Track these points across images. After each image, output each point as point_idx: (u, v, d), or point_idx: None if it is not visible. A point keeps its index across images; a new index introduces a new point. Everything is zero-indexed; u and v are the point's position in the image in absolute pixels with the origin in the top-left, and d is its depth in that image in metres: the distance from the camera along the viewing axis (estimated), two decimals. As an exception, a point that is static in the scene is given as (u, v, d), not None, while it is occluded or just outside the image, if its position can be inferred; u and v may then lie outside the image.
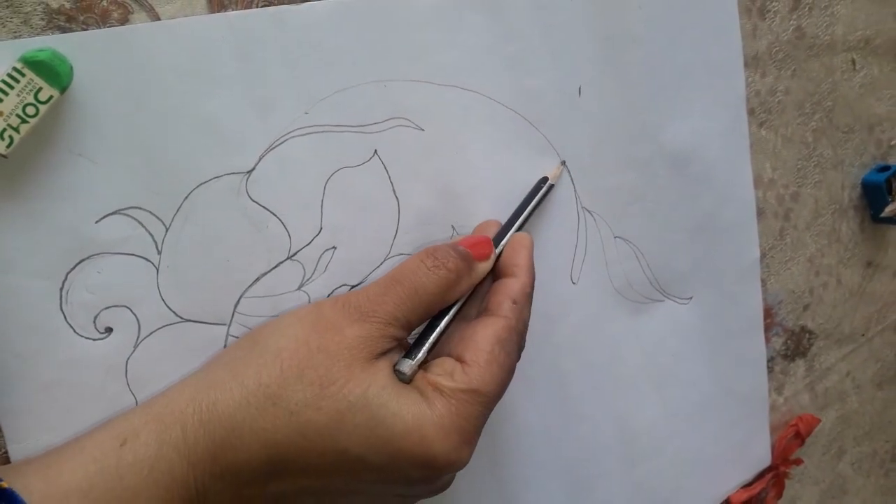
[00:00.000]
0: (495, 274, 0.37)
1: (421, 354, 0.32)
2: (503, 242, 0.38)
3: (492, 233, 0.38)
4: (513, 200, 0.41)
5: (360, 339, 0.31)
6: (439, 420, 0.30)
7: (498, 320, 0.34)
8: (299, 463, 0.29)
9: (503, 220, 0.40)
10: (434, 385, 0.31)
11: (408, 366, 0.32)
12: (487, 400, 0.32)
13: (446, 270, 0.33)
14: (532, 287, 0.37)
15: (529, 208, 0.40)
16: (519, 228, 0.39)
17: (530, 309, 0.37)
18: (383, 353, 0.32)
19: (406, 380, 0.31)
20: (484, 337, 0.33)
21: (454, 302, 0.35)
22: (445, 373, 0.32)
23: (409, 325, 0.33)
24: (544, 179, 0.41)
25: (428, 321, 0.34)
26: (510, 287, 0.36)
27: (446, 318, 0.34)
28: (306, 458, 0.29)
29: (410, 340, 0.34)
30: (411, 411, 0.30)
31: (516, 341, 0.34)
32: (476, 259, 0.35)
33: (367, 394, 0.29)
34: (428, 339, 0.33)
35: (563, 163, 0.42)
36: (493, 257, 0.36)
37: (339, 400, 0.29)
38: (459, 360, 0.32)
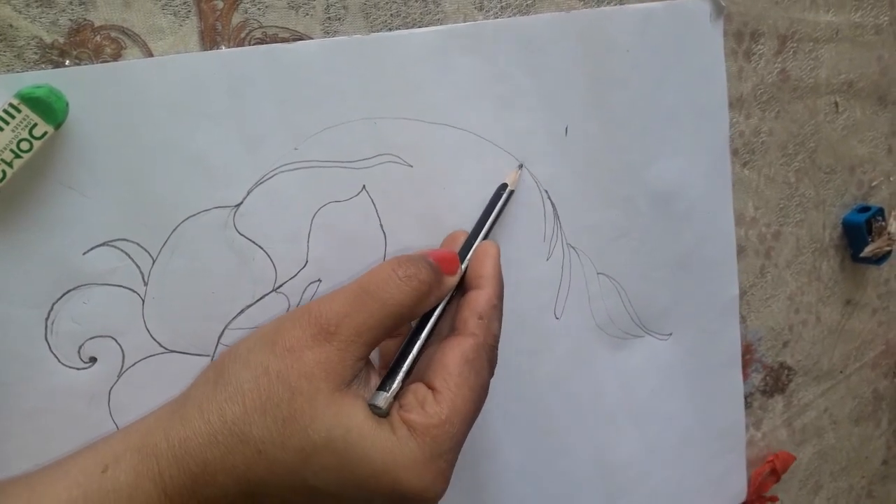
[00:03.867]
0: (463, 286, 0.36)
1: (395, 385, 0.31)
2: (469, 255, 0.37)
3: (459, 244, 0.38)
4: (499, 234, 0.41)
5: (320, 367, 0.30)
6: (411, 461, 0.29)
7: (465, 340, 0.33)
8: (274, 498, 0.30)
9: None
10: (405, 421, 0.30)
11: (383, 399, 0.31)
12: (461, 428, 0.31)
13: (418, 282, 0.32)
14: (500, 297, 0.36)
15: (493, 216, 0.39)
16: (484, 237, 0.38)
17: (500, 320, 0.36)
18: (348, 382, 0.30)
19: (383, 414, 0.30)
20: (452, 360, 0.32)
21: (422, 317, 0.34)
22: (417, 404, 0.31)
23: (375, 341, 0.31)
24: (504, 186, 0.40)
25: (401, 347, 0.34)
26: (476, 301, 0.35)
27: (418, 344, 0.34)
28: (280, 492, 0.29)
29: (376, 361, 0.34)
30: (380, 454, 0.29)
31: (486, 358, 0.34)
32: (444, 273, 0.34)
33: (332, 436, 0.29)
34: (401, 368, 0.32)
35: (521, 166, 0.42)
36: (459, 272, 0.36)
37: (304, 439, 0.29)
38: (430, 386, 0.32)
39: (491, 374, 0.34)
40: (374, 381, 0.33)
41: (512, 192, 0.41)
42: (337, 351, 0.30)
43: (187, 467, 0.29)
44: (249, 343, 0.32)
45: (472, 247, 0.38)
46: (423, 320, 0.35)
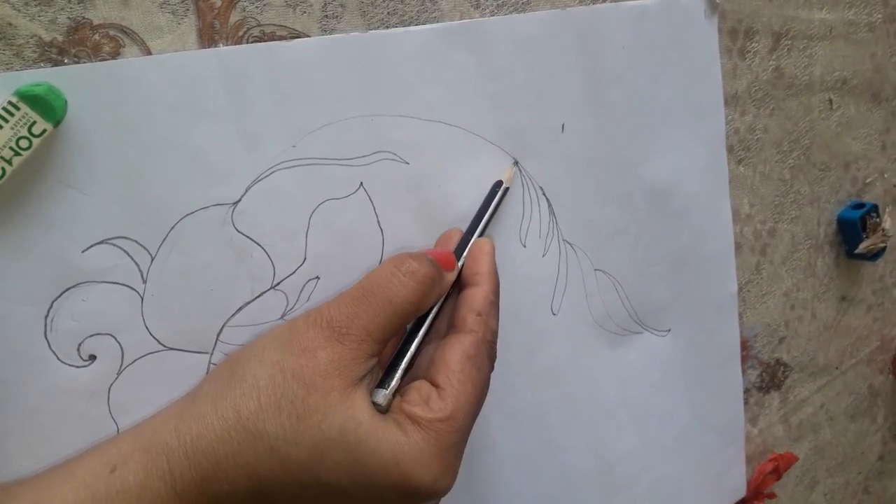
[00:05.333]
0: (460, 284, 0.37)
1: (394, 382, 0.32)
2: (465, 252, 0.38)
3: (455, 241, 0.38)
4: (495, 231, 0.42)
5: (334, 365, 0.30)
6: (419, 454, 0.30)
7: (465, 336, 0.34)
8: (284, 494, 0.30)
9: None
10: (411, 416, 0.31)
11: (382, 396, 0.32)
12: (465, 422, 0.32)
13: (421, 277, 0.33)
14: (496, 293, 0.37)
15: (488, 214, 0.40)
16: (480, 235, 0.39)
17: (497, 315, 0.37)
18: (360, 378, 0.31)
19: (383, 410, 0.31)
20: (454, 356, 0.33)
21: (425, 315, 0.35)
22: (421, 400, 0.32)
23: (384, 338, 0.32)
24: (499, 183, 0.41)
25: (399, 345, 0.34)
26: (473, 298, 0.36)
27: (415, 343, 0.34)
28: (290, 489, 0.30)
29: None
30: (390, 447, 0.30)
31: (486, 354, 0.34)
32: (443, 269, 0.35)
33: (345, 430, 0.29)
34: (399, 366, 0.33)
35: (516, 163, 0.42)
36: (457, 269, 0.36)
37: (317, 435, 0.29)
38: (433, 383, 0.33)
39: (491, 368, 0.35)
40: (379, 365, 0.33)
41: (507, 189, 0.41)
42: (350, 350, 0.31)
43: (199, 464, 0.29)
44: (264, 342, 0.32)
45: (468, 244, 0.38)
46: (420, 320, 0.35)
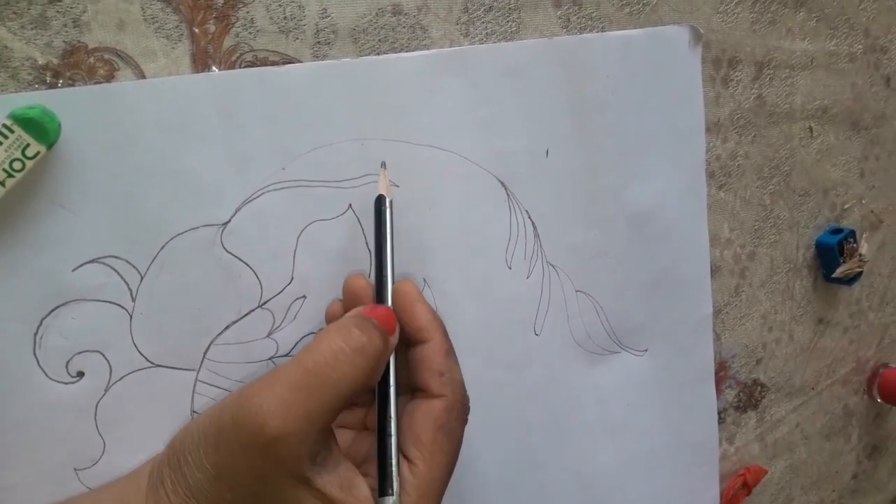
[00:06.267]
0: (404, 341, 0.34)
1: (397, 486, 0.31)
2: (389, 294, 0.35)
3: (364, 286, 0.35)
4: (482, 253, 0.42)
5: (278, 469, 0.28)
6: None
7: (433, 403, 0.32)
8: None
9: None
10: None
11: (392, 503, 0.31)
12: (438, 491, 0.32)
13: (373, 351, 0.30)
14: (447, 340, 0.34)
15: (389, 240, 0.36)
16: (391, 267, 0.35)
17: (457, 362, 0.34)
18: (308, 476, 0.29)
19: None
20: (424, 429, 0.32)
21: (385, 393, 0.33)
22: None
23: (328, 423, 0.29)
24: (381, 198, 0.36)
25: (377, 437, 0.32)
26: (429, 358, 0.33)
27: (393, 436, 0.32)
28: None
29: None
30: None
31: (457, 415, 0.33)
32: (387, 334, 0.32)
33: None
34: (391, 464, 0.31)
35: (383, 164, 0.37)
36: (397, 330, 0.33)
37: None
38: (404, 454, 0.32)
39: (464, 423, 0.34)
40: (334, 446, 0.31)
41: (391, 201, 0.36)
42: (289, 449, 0.28)
43: None
44: (197, 439, 0.30)
45: (386, 283, 0.35)
46: (381, 399, 0.33)
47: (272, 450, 0.27)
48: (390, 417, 0.32)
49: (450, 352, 0.34)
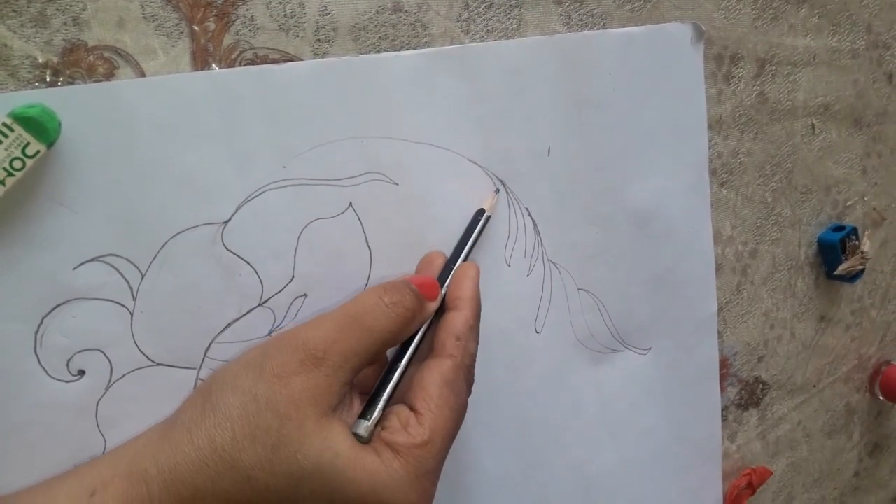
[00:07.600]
0: (442, 307, 0.37)
1: (376, 414, 0.33)
2: (448, 278, 0.38)
3: (438, 266, 0.39)
4: (481, 250, 0.42)
5: (308, 393, 0.30)
6: (396, 482, 0.30)
7: (443, 361, 0.34)
8: None
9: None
10: (389, 444, 0.31)
11: (364, 427, 0.32)
12: (442, 447, 0.33)
13: (403, 309, 0.33)
14: (477, 318, 0.37)
15: (471, 242, 0.40)
16: (464, 257, 0.40)
17: (477, 340, 0.37)
18: (335, 406, 0.31)
19: (365, 441, 0.32)
20: (432, 381, 0.33)
21: (407, 342, 0.35)
22: (400, 426, 0.32)
23: (360, 366, 0.32)
24: (481, 211, 0.41)
25: (382, 374, 0.35)
26: (453, 323, 0.36)
27: (398, 372, 0.35)
28: None
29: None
30: (367, 477, 0.30)
31: (464, 378, 0.35)
32: (426, 299, 0.35)
33: (321, 461, 0.30)
34: (381, 396, 0.33)
35: (497, 191, 0.42)
36: (440, 298, 0.37)
37: (293, 465, 0.30)
38: (411, 407, 0.33)
39: (468, 392, 0.36)
40: (357, 404, 0.33)
41: (489, 217, 0.42)
42: (325, 377, 0.31)
43: (177, 492, 0.29)
44: (237, 368, 0.32)
45: (451, 271, 0.39)
46: (403, 346, 0.36)
47: (311, 376, 0.30)
48: (401, 364, 0.35)
49: (474, 328, 0.37)
